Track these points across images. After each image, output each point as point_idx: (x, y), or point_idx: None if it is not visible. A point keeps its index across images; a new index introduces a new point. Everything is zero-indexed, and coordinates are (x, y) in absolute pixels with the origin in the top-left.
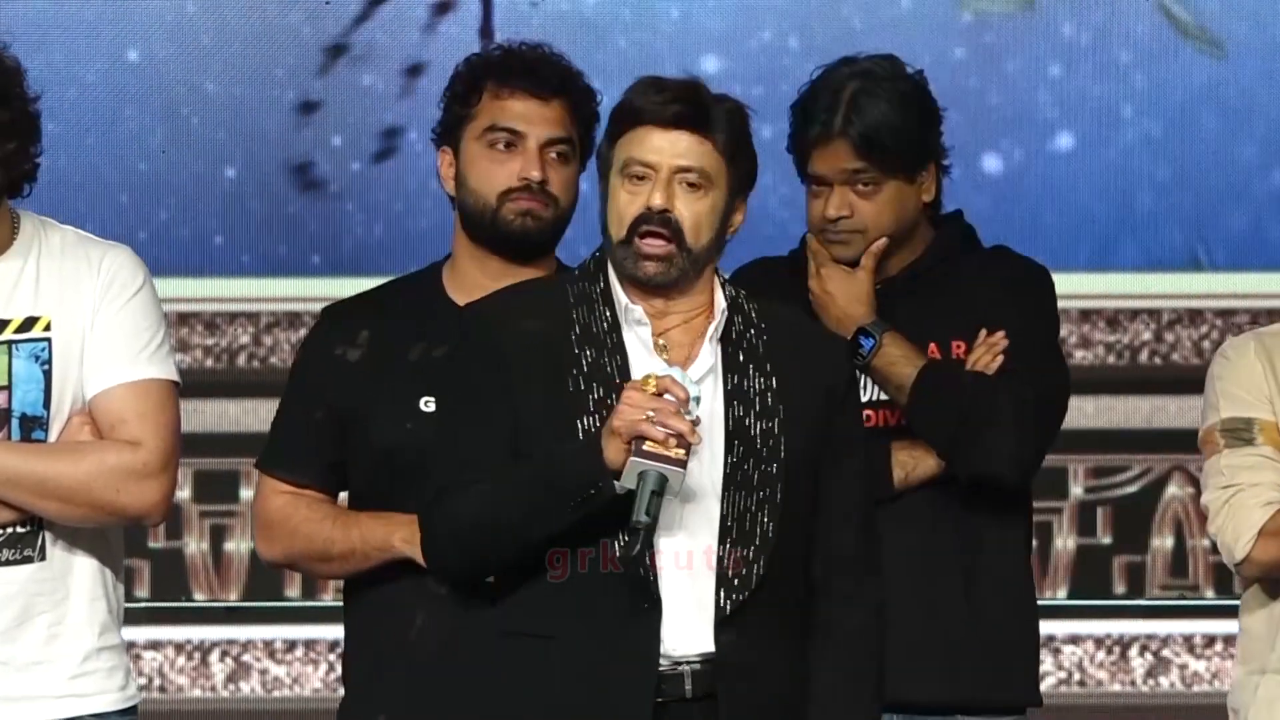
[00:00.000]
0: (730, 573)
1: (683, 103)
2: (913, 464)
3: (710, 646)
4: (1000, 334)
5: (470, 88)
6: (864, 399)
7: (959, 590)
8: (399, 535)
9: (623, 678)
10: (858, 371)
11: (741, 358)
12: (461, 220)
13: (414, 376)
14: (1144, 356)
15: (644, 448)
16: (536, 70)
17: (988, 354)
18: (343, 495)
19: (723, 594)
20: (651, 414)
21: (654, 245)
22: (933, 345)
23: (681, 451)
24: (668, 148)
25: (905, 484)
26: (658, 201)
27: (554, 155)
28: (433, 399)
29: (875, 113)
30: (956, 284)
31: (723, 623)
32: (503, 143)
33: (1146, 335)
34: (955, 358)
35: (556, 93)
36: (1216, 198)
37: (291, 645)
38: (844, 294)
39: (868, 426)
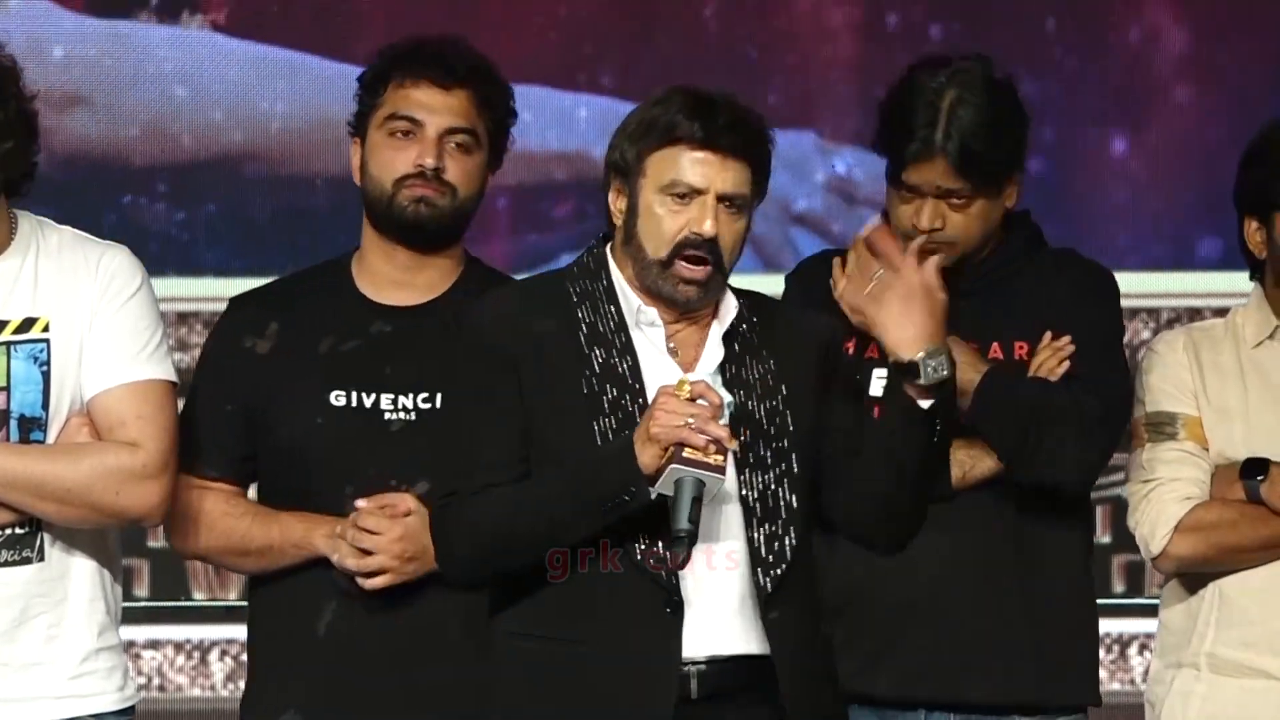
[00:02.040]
0: (764, 551)
1: (736, 132)
2: (971, 463)
3: (721, 649)
4: (1066, 339)
5: (377, 78)
6: None
7: (1016, 590)
8: (320, 532)
9: (646, 681)
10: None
11: (738, 348)
12: (365, 210)
13: (324, 369)
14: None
15: (684, 454)
16: (440, 59)
17: (1053, 358)
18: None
19: (760, 573)
20: (690, 420)
21: (696, 271)
22: (995, 345)
23: (720, 458)
24: (716, 174)
25: (963, 483)
26: (709, 229)
27: (454, 145)
28: (343, 392)
29: (973, 129)
30: (1021, 285)
31: (768, 601)
32: (401, 131)
33: (1145, 334)
34: (1017, 359)
35: (460, 82)
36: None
37: None
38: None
39: None
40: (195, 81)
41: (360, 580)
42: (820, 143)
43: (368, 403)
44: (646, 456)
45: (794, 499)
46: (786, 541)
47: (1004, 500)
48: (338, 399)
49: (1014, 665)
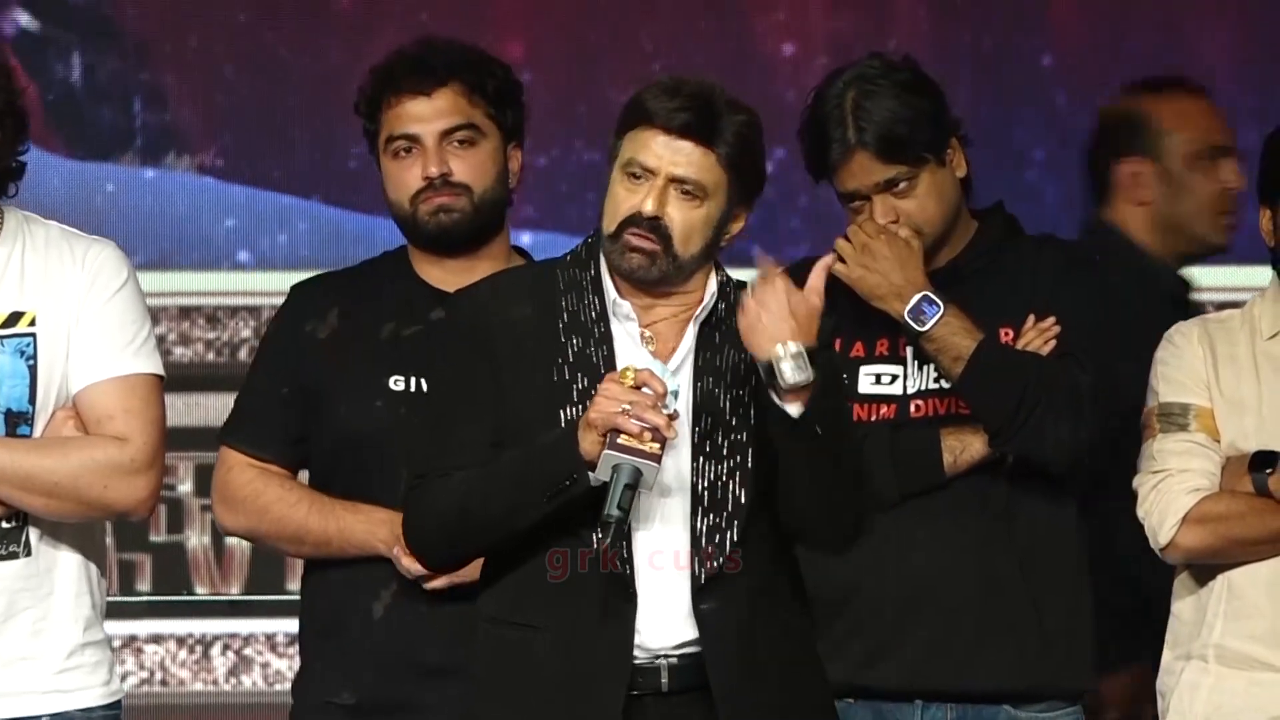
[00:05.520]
0: (704, 542)
1: (692, 112)
2: (960, 447)
3: (687, 635)
4: (1051, 320)
5: (371, 105)
6: (912, 389)
7: (1017, 577)
8: (379, 536)
9: (599, 670)
10: (917, 339)
11: (717, 338)
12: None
13: (384, 355)
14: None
15: (619, 441)
16: (418, 66)
17: (1039, 338)
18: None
19: (696, 563)
20: (628, 407)
21: (642, 241)
22: None
23: (656, 446)
24: (668, 155)
25: (954, 468)
26: (649, 208)
27: (455, 144)
28: (402, 378)
29: (883, 112)
30: (1003, 271)
31: (699, 591)
32: (403, 149)
33: None
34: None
35: (441, 82)
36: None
37: (293, 638)
38: (900, 262)
39: (915, 416)
40: (181, 225)
41: (425, 584)
42: None
43: (426, 387)
44: (587, 443)
45: (742, 493)
46: (729, 535)
47: (997, 487)
48: (397, 383)
49: (1017, 652)
